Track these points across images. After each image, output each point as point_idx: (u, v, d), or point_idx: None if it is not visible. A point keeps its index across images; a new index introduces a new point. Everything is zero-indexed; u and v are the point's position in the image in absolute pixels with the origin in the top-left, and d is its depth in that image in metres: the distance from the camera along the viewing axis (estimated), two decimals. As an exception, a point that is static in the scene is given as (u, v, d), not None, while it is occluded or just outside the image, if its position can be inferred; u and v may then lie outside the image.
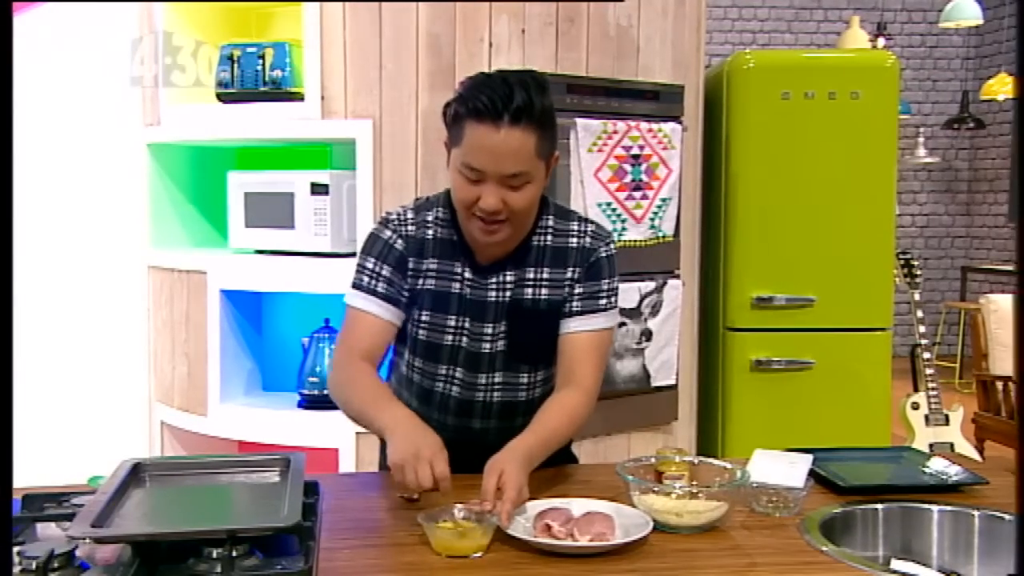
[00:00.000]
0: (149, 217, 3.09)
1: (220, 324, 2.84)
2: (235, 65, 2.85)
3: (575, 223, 1.69)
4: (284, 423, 2.77)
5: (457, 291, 1.65)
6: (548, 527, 1.36)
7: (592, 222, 1.72)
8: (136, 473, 1.50)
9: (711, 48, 6.66)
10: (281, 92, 2.80)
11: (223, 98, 2.91)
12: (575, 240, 1.67)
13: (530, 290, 1.65)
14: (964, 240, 8.18)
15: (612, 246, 1.70)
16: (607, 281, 1.67)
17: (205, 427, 2.89)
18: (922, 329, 4.00)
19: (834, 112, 3.26)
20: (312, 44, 2.69)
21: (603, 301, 1.67)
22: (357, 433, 2.70)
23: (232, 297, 2.88)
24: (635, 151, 2.87)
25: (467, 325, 1.65)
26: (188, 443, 3.06)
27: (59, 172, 3.84)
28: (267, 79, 2.81)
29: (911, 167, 7.86)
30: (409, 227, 1.66)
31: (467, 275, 1.65)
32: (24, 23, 3.74)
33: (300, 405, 2.83)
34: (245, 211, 2.90)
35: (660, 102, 2.95)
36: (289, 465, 1.52)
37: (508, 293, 1.65)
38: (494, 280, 1.65)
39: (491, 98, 1.49)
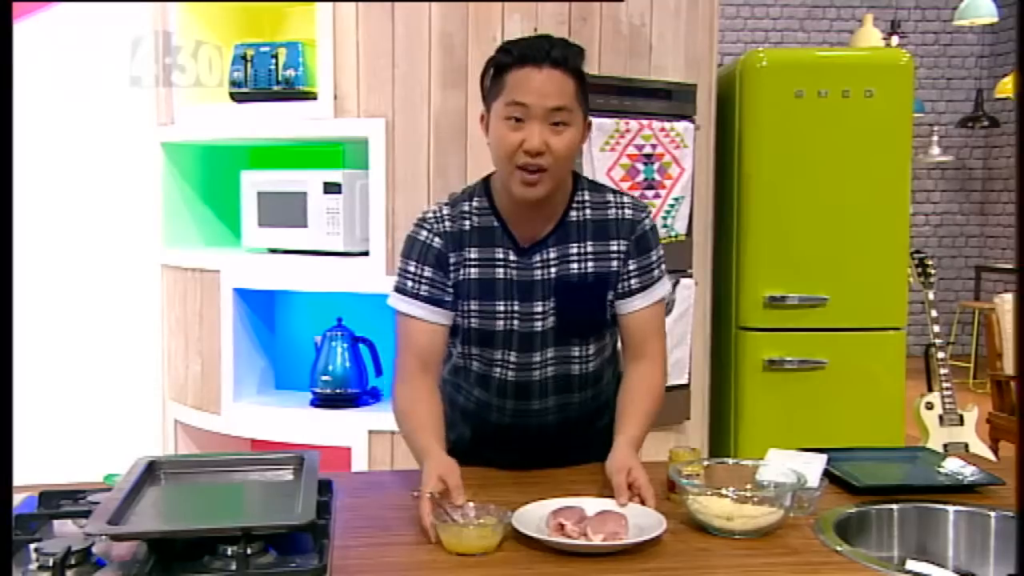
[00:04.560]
0: (162, 216, 3.11)
1: (233, 323, 2.85)
2: (248, 65, 2.86)
3: (610, 195, 1.71)
4: (297, 421, 2.78)
5: (502, 276, 1.66)
6: (561, 526, 1.36)
7: (626, 194, 1.74)
8: (151, 471, 1.51)
9: (724, 47, 6.63)
10: (294, 91, 2.81)
11: (236, 97, 2.92)
12: (614, 211, 1.68)
13: (575, 265, 1.66)
14: (978, 239, 8.13)
15: (651, 216, 1.73)
16: (655, 251, 1.70)
17: (218, 425, 2.91)
18: (936, 329, 3.98)
19: (847, 111, 3.24)
20: (325, 43, 2.69)
21: (656, 272, 1.70)
22: (370, 432, 2.70)
23: (245, 296, 2.89)
24: (647, 150, 2.87)
25: (516, 308, 1.66)
26: (201, 441, 3.07)
27: (74, 171, 3.86)
28: (280, 78, 2.82)
29: (925, 166, 7.81)
30: (445, 223, 1.67)
31: (511, 257, 1.66)
32: (40, 23, 3.76)
33: (313, 404, 2.84)
34: (258, 210, 2.91)
35: (673, 101, 2.95)
36: (303, 463, 1.53)
37: (553, 270, 1.66)
38: (538, 259, 1.66)
39: (532, 45, 1.56)
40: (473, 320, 1.67)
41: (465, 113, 2.68)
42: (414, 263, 1.67)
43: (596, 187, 1.73)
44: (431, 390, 1.67)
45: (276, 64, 2.82)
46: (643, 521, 1.40)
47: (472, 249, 1.66)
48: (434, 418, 1.64)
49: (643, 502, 1.47)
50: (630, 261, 1.67)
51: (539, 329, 1.67)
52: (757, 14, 7.82)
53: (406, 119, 2.67)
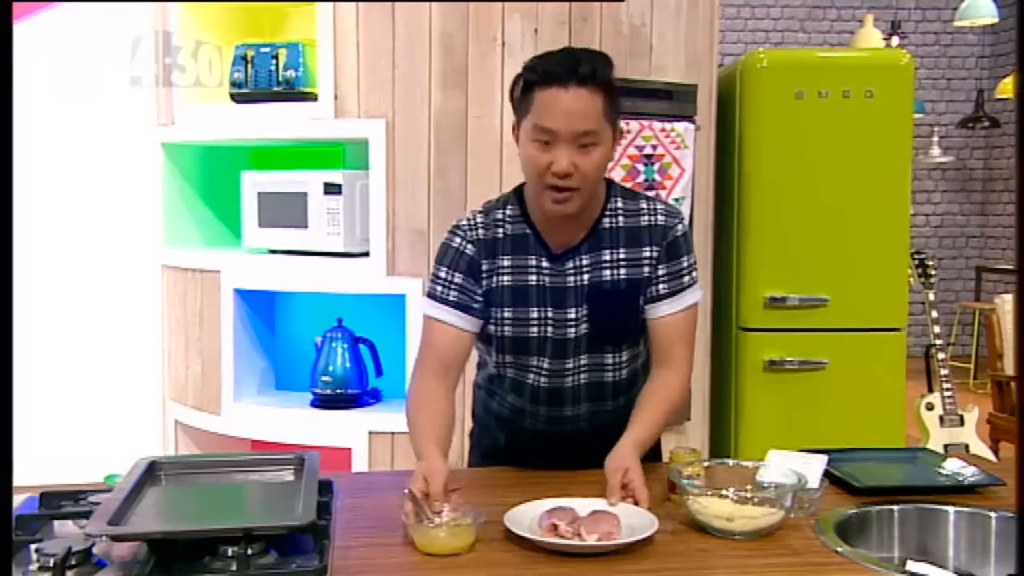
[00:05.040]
0: (163, 216, 3.11)
1: (233, 323, 2.85)
2: (249, 65, 2.86)
3: (644, 202, 1.71)
4: (297, 422, 2.78)
5: (535, 283, 1.67)
6: (555, 527, 1.36)
7: (660, 200, 1.73)
8: (152, 471, 1.51)
9: (724, 47, 6.64)
10: (294, 92, 2.81)
11: (237, 98, 2.92)
12: (647, 218, 1.68)
13: (608, 272, 1.67)
14: (979, 240, 8.13)
15: (684, 222, 1.72)
16: (686, 258, 1.70)
17: (218, 426, 2.91)
18: (937, 329, 3.98)
19: (848, 111, 3.24)
20: (325, 44, 2.69)
21: (687, 278, 1.69)
22: (370, 432, 2.70)
23: (245, 296, 2.89)
24: (648, 151, 2.87)
25: (549, 315, 1.67)
26: (201, 442, 3.07)
27: (74, 172, 3.87)
28: (281, 79, 2.82)
29: (925, 166, 7.81)
30: (479, 231, 1.69)
31: (544, 264, 1.67)
32: (40, 23, 3.76)
33: (313, 404, 2.84)
34: (258, 211, 2.91)
35: (673, 101, 2.94)
36: (303, 464, 1.53)
37: (586, 277, 1.67)
38: (571, 265, 1.67)
39: (558, 62, 1.54)
40: (507, 328, 1.68)
41: (465, 113, 2.68)
42: (445, 269, 1.69)
43: (630, 194, 1.73)
44: (444, 394, 1.67)
45: (276, 64, 2.82)
46: (635, 521, 1.40)
47: (505, 257, 1.68)
48: (440, 422, 1.63)
49: (636, 503, 1.47)
50: (660, 266, 1.67)
51: (572, 336, 1.68)
52: (757, 14, 7.82)
53: (406, 120, 2.67)
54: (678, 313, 1.69)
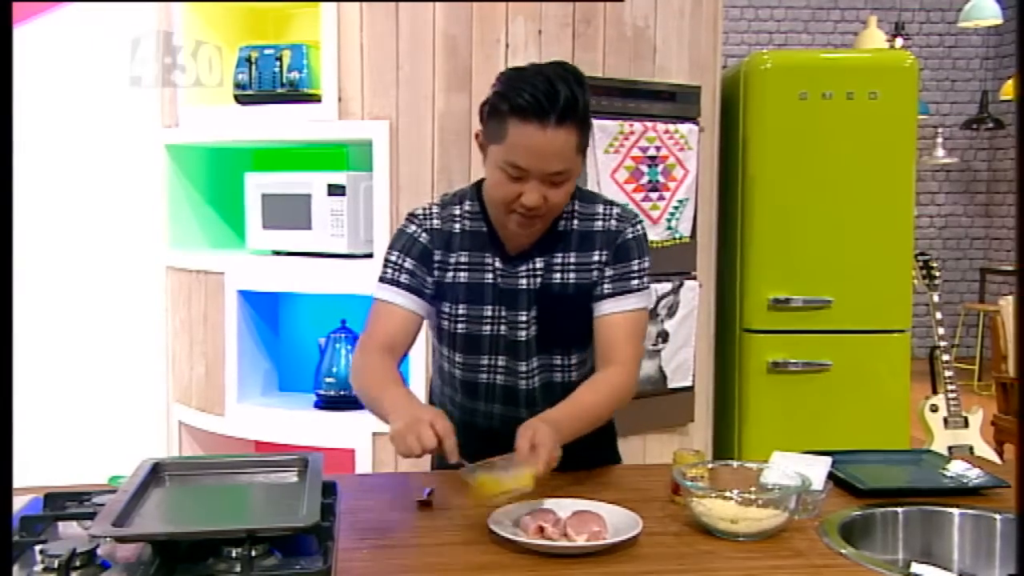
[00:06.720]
0: (167, 218, 3.11)
1: (237, 324, 2.86)
2: (252, 67, 2.87)
3: (600, 206, 1.70)
4: (301, 423, 2.78)
5: (490, 281, 1.67)
6: (541, 528, 1.37)
7: (618, 204, 1.72)
8: (156, 473, 1.51)
9: (728, 48, 6.64)
10: (298, 93, 2.81)
11: (241, 99, 2.92)
12: (600, 223, 1.68)
13: (558, 275, 1.66)
14: (983, 241, 8.12)
15: (640, 227, 1.70)
16: (637, 262, 1.67)
17: (222, 427, 2.91)
18: (941, 331, 3.97)
19: (852, 112, 3.24)
20: (329, 45, 2.70)
21: (634, 282, 1.67)
22: (374, 433, 2.70)
23: (249, 298, 2.89)
24: (652, 152, 2.87)
25: (503, 314, 1.67)
26: (205, 443, 3.08)
27: (78, 173, 3.87)
28: (284, 80, 2.83)
29: (929, 168, 7.80)
30: (435, 221, 1.69)
31: (498, 264, 1.66)
32: (44, 26, 3.77)
33: (317, 405, 2.84)
34: (262, 212, 2.91)
35: (677, 103, 2.95)
36: (307, 465, 1.53)
37: (538, 279, 1.66)
38: (524, 268, 1.66)
39: (535, 96, 1.48)
40: (460, 325, 1.68)
41: (469, 115, 2.68)
42: (397, 253, 1.68)
43: (588, 197, 1.72)
44: (392, 364, 1.64)
45: (280, 66, 2.82)
46: (619, 521, 1.41)
47: (463, 253, 1.67)
48: (395, 375, 1.61)
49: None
50: (607, 268, 1.66)
51: (523, 338, 1.68)
52: (761, 16, 7.82)
53: (410, 121, 2.67)
54: (622, 314, 1.65)
